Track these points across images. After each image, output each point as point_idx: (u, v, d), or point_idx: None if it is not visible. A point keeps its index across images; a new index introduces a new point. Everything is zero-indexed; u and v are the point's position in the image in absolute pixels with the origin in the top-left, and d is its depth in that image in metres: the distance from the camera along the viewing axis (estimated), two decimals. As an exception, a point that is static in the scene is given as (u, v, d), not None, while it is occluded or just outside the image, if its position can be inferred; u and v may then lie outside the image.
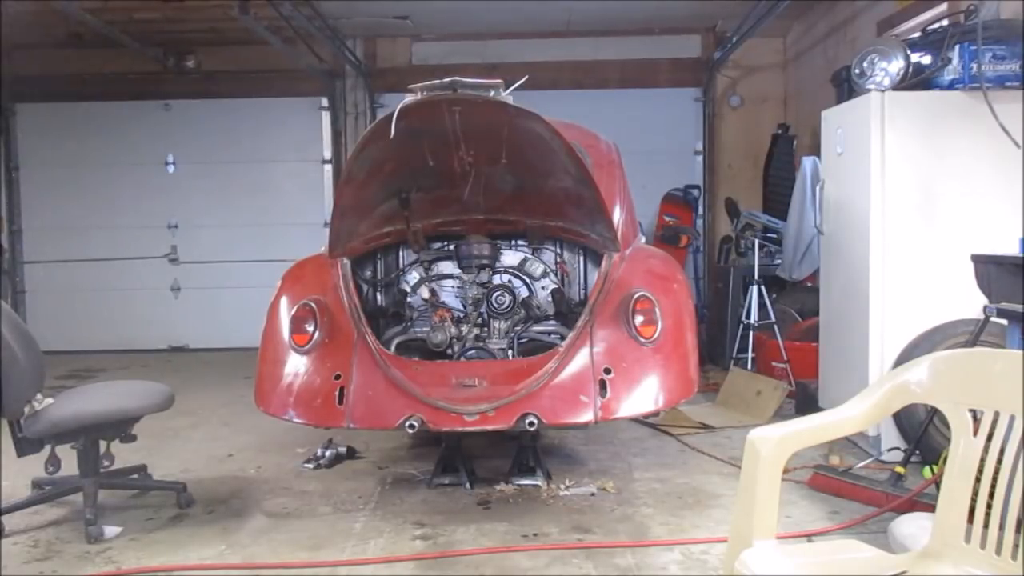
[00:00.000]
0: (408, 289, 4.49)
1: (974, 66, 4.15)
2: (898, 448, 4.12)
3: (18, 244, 9.44)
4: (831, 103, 5.23)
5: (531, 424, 3.39)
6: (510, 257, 4.54)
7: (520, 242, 4.56)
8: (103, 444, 3.74)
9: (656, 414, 4.28)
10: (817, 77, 7.75)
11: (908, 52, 4.31)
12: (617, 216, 4.24)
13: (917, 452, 3.82)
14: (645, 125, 9.02)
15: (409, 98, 3.16)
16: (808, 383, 5.43)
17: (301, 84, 9.08)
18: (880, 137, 4.31)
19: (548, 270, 4.52)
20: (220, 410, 6.03)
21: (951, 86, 4.26)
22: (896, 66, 4.30)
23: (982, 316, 3.43)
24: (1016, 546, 1.91)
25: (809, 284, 6.42)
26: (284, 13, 7.10)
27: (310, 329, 3.69)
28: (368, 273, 4.50)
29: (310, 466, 4.52)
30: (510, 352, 4.19)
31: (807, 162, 5.76)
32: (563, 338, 3.89)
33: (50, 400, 3.54)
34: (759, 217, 7.28)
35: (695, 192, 9.03)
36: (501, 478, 4.11)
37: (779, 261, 6.56)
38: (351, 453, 4.66)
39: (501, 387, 3.54)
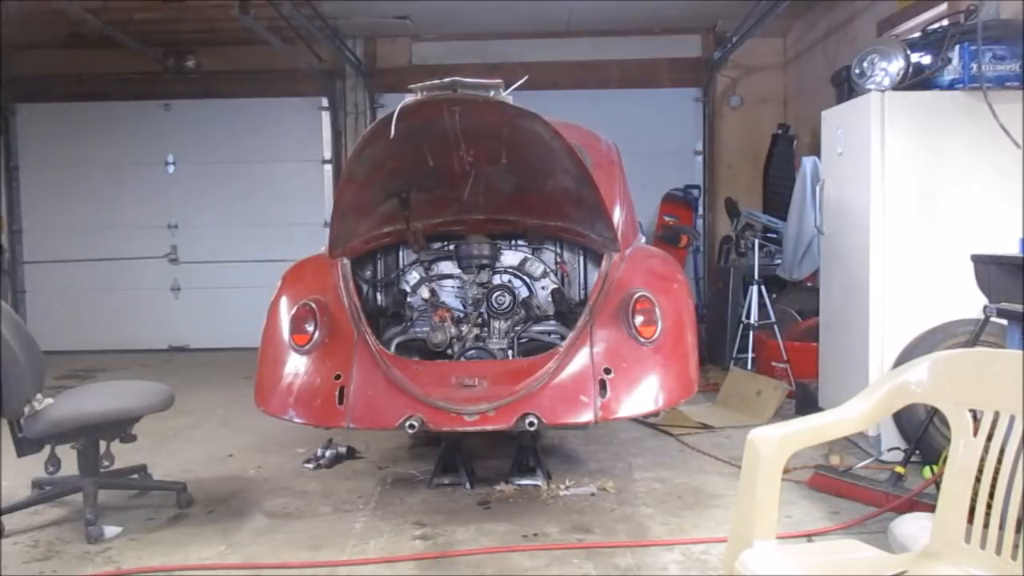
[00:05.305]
0: (408, 289, 4.49)
1: (974, 66, 4.14)
2: (898, 448, 4.12)
3: (18, 244, 9.45)
4: (831, 103, 5.23)
5: (531, 424, 3.38)
6: (510, 257, 4.54)
7: (520, 242, 4.55)
8: (103, 444, 3.74)
9: (656, 414, 4.27)
10: (817, 77, 7.75)
11: (908, 52, 4.31)
12: (617, 216, 4.24)
13: (917, 452, 3.82)
14: (645, 125, 9.03)
15: (409, 98, 3.16)
16: (808, 383, 5.43)
17: (301, 84, 9.08)
18: (880, 137, 4.31)
19: (548, 270, 4.52)
20: (220, 410, 6.02)
21: (951, 86, 4.26)
22: (896, 66, 4.30)
23: (982, 316, 3.42)
24: (1016, 546, 1.91)
25: (809, 284, 6.43)
26: (284, 13, 7.10)
27: (310, 329, 3.69)
28: (368, 273, 4.50)
29: (310, 466, 4.52)
30: (510, 352, 4.19)
31: (807, 162, 5.76)
32: (563, 338, 3.89)
33: (50, 400, 3.53)
34: (759, 217, 7.28)
35: (695, 192, 9.04)
36: (501, 478, 4.10)
37: (779, 261, 6.56)
38: (351, 453, 4.66)
39: (501, 387, 3.53)
